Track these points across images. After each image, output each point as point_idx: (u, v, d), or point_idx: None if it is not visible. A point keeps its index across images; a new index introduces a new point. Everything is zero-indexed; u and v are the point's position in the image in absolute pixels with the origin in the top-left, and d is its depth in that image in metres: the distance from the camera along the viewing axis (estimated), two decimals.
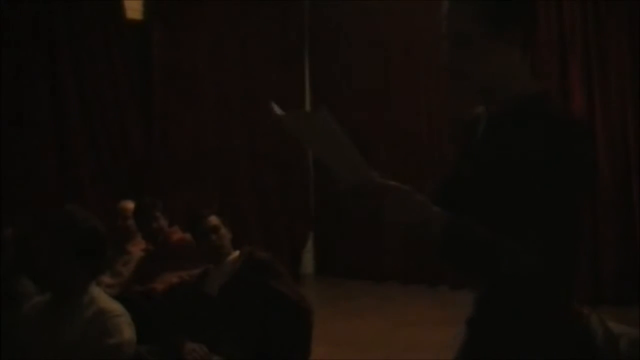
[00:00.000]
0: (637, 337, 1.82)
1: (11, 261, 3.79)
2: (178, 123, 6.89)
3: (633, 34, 5.94)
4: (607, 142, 6.06)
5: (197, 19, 7.07)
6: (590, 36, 6.18)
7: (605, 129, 6.07)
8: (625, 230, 6.04)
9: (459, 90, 1.60)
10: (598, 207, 6.03)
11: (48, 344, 2.31)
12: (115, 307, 2.37)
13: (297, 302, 3.40)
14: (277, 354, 3.30)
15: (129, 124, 6.43)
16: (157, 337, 3.29)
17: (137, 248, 4.48)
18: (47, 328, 2.35)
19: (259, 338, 3.30)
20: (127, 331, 2.33)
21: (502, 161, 1.53)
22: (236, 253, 3.55)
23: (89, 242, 2.35)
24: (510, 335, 1.56)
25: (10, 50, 5.68)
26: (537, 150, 1.46)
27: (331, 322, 5.25)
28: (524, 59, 1.60)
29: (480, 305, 1.64)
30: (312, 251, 8.30)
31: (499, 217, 1.51)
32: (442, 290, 7.00)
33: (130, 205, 4.64)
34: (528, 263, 1.44)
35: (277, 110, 1.44)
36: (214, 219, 3.53)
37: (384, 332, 5.59)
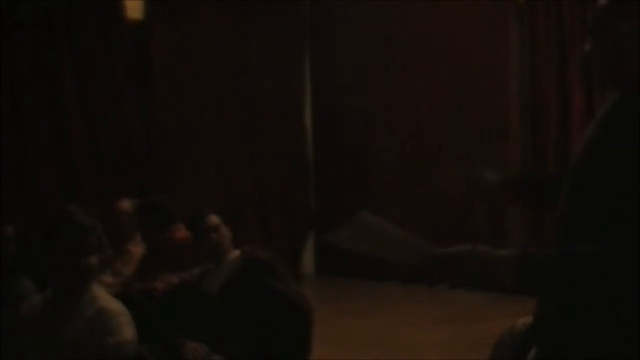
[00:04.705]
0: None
1: (11, 260, 3.80)
2: (178, 122, 6.89)
3: None
4: None
5: (197, 19, 7.07)
6: None
7: None
8: None
9: (606, 78, 1.69)
10: None
11: (48, 343, 2.31)
12: (116, 306, 2.38)
13: (297, 301, 3.40)
14: (277, 353, 3.31)
15: (129, 124, 6.42)
16: (157, 337, 3.29)
17: (138, 248, 4.48)
18: (47, 327, 2.35)
19: (259, 337, 3.31)
20: (128, 330, 2.33)
21: (600, 148, 1.59)
22: (236, 252, 3.55)
23: (89, 242, 2.36)
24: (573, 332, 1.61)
25: (10, 50, 5.68)
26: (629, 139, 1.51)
27: (331, 322, 5.25)
28: None
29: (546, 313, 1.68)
30: (312, 251, 8.29)
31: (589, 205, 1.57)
32: (441, 289, 6.99)
33: (127, 204, 4.64)
34: (603, 264, 1.50)
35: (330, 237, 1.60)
36: (214, 218, 3.54)
37: (384, 332, 5.59)
